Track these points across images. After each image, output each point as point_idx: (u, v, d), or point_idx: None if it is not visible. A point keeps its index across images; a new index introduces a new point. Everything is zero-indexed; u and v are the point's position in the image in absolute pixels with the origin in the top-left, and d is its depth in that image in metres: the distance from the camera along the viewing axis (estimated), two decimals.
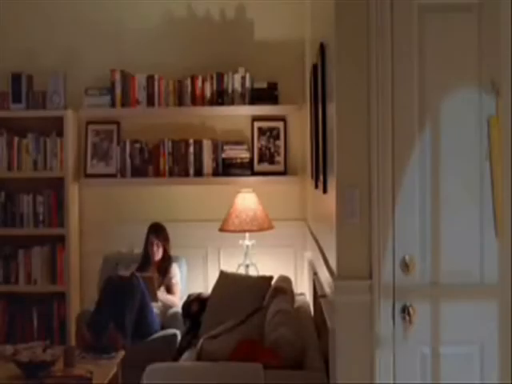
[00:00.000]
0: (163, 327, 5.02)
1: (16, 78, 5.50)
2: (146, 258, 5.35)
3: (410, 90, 2.90)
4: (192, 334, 4.63)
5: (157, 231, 5.35)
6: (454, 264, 2.91)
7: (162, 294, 5.18)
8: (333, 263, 3.09)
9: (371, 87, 2.90)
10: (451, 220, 2.91)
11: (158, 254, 5.32)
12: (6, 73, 5.51)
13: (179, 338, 4.84)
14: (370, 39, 2.90)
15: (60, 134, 5.47)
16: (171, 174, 5.53)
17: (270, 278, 4.63)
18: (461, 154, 2.91)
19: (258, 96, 5.51)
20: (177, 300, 5.23)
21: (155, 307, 5.06)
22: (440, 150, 2.91)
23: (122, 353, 4.33)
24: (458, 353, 2.93)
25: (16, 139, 5.51)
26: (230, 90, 5.51)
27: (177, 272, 5.34)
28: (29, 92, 5.54)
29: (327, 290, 3.28)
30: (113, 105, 5.55)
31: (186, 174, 5.54)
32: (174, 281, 5.29)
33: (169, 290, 5.26)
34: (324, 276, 3.44)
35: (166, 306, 5.17)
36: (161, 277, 5.26)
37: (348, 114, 2.94)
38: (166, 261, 5.33)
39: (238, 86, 5.51)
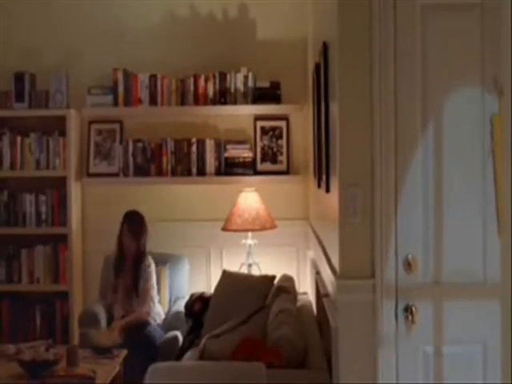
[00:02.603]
0: (166, 326, 5.02)
1: (19, 78, 5.50)
2: (120, 254, 5.12)
3: (413, 89, 2.90)
4: (194, 333, 4.63)
5: (131, 221, 5.09)
6: (456, 263, 2.91)
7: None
8: (335, 262, 3.09)
9: (374, 86, 2.90)
10: (454, 219, 2.91)
11: (132, 248, 5.06)
12: (9, 72, 5.51)
13: (180, 339, 4.83)
14: (372, 38, 2.90)
15: (63, 133, 5.48)
16: (174, 173, 5.53)
17: (273, 277, 4.62)
18: (464, 153, 2.91)
19: (260, 95, 5.50)
20: (146, 309, 4.97)
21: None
22: (443, 150, 2.91)
23: (124, 352, 4.33)
24: (461, 352, 2.93)
25: (19, 138, 5.52)
26: (232, 90, 5.51)
27: (151, 273, 5.06)
28: (31, 91, 5.54)
29: (330, 289, 3.28)
30: (115, 104, 5.55)
31: (189, 174, 5.54)
32: (147, 286, 5.02)
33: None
34: (326, 275, 3.44)
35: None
36: (133, 279, 5.02)
37: (351, 113, 2.94)
38: (138, 257, 5.05)
39: (240, 85, 5.51)
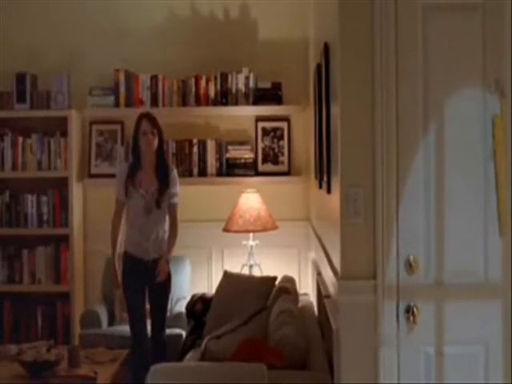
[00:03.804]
0: (168, 326, 5.01)
1: (20, 78, 5.50)
2: (137, 158, 4.69)
3: (415, 90, 2.90)
4: (196, 333, 4.63)
5: (150, 117, 4.68)
6: (458, 264, 2.91)
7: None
8: (337, 263, 3.09)
9: (375, 87, 2.90)
10: (455, 220, 2.90)
11: (153, 144, 4.63)
12: (11, 73, 5.51)
13: (184, 337, 4.84)
14: (374, 39, 2.90)
15: (64, 133, 5.48)
16: None
17: (274, 278, 4.62)
18: (465, 154, 2.90)
19: (261, 96, 5.50)
20: (176, 231, 4.67)
21: None
22: (444, 150, 2.90)
23: (125, 352, 4.33)
24: (463, 353, 2.92)
25: (20, 139, 5.52)
26: (233, 90, 5.51)
27: (177, 184, 4.70)
28: (33, 92, 5.54)
29: (331, 290, 3.28)
30: (117, 105, 5.56)
31: (190, 174, 5.54)
32: (173, 201, 4.67)
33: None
34: (328, 276, 3.44)
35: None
36: (156, 166, 4.65)
37: (352, 113, 2.93)
38: (161, 151, 4.71)
39: (241, 85, 5.51)
